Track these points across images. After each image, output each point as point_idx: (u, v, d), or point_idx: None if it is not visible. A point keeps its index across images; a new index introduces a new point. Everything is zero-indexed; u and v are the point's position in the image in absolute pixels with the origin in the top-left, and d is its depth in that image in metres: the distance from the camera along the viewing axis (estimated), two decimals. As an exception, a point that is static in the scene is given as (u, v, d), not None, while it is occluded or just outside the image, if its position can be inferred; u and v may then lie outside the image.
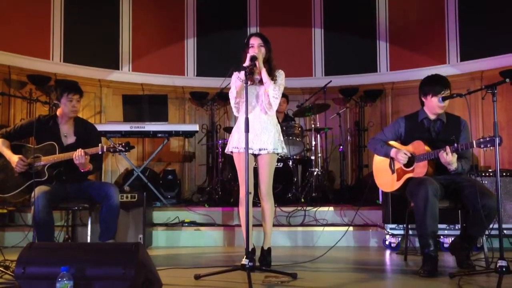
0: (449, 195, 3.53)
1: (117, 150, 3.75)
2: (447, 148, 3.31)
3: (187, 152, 7.20)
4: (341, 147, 6.48)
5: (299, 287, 3.04)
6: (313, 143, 6.16)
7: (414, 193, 3.39)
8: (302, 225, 5.00)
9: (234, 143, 3.69)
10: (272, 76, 3.60)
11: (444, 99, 3.51)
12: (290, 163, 5.67)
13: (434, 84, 3.58)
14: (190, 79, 7.35)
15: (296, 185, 5.70)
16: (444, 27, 6.71)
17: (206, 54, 7.38)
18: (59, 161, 3.73)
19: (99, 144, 3.75)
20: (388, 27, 7.15)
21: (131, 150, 3.90)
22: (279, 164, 5.47)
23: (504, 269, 2.85)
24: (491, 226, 3.44)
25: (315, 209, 5.11)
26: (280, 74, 3.68)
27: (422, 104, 3.70)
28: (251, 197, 3.61)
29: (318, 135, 6.24)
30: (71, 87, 3.94)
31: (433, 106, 3.57)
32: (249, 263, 3.04)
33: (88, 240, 3.89)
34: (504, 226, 4.20)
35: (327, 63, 7.37)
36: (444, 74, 6.05)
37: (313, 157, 6.09)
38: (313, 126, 6.18)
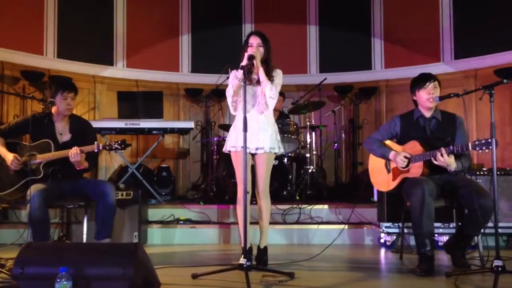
0: (445, 194, 3.55)
1: (113, 148, 3.72)
2: (442, 150, 3.32)
3: (181, 148, 7.18)
4: (336, 144, 6.50)
5: (296, 286, 3.05)
6: (308, 140, 6.16)
7: (410, 193, 3.41)
8: (297, 223, 5.01)
9: (232, 142, 3.69)
10: (269, 76, 3.59)
11: (441, 98, 3.53)
12: (285, 160, 5.67)
13: (419, 80, 3.67)
14: (185, 76, 7.32)
15: (291, 182, 5.70)
16: (439, 25, 6.74)
17: (201, 50, 7.35)
18: (54, 159, 3.71)
19: (95, 142, 3.73)
20: (383, 24, 7.16)
21: (127, 148, 3.89)
22: (274, 161, 5.45)
23: (500, 269, 2.88)
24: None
25: (310, 207, 5.12)
26: (278, 74, 3.67)
27: (416, 104, 3.74)
28: (248, 196, 3.64)
29: (313, 133, 6.24)
30: (66, 85, 3.91)
31: (423, 100, 3.63)
32: (247, 263, 3.05)
33: (84, 239, 3.87)
34: (499, 224, 4.24)
35: (322, 60, 7.37)
36: (438, 72, 6.16)
37: (308, 155, 6.09)
38: (308, 123, 6.18)
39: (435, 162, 3.36)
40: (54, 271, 2.31)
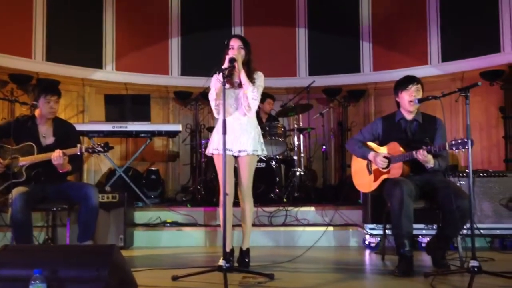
0: (425, 195, 3.58)
1: (96, 150, 3.73)
2: (423, 148, 3.36)
3: (171, 151, 7.19)
4: (324, 147, 6.53)
5: (276, 287, 3.06)
6: (296, 143, 6.18)
7: (389, 194, 3.44)
8: (283, 225, 5.02)
9: (214, 145, 3.72)
10: (251, 78, 3.61)
11: (420, 101, 3.58)
12: (273, 163, 5.69)
13: (402, 82, 3.72)
14: (174, 79, 7.34)
15: (278, 185, 5.72)
16: (426, 28, 6.80)
17: (190, 53, 7.37)
18: (37, 161, 3.72)
19: (78, 145, 3.74)
20: (371, 28, 7.21)
21: (110, 150, 3.89)
22: (261, 164, 5.49)
23: (476, 269, 2.90)
24: (466, 226, 3.50)
25: (296, 209, 5.13)
26: (259, 76, 3.69)
27: (398, 106, 3.77)
28: (230, 198, 3.66)
29: (301, 135, 6.27)
30: (49, 88, 3.93)
31: (405, 101, 3.67)
32: (226, 264, 3.06)
33: (67, 241, 3.88)
34: (481, 226, 4.29)
35: (311, 63, 7.41)
36: (426, 75, 6.28)
37: (296, 157, 6.12)
38: (296, 126, 6.21)
39: (416, 155, 3.38)
40: (28, 273, 2.32)
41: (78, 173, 4.93)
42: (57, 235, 4.59)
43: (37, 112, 3.89)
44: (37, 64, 6.42)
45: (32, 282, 2.31)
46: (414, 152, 3.41)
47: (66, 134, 3.96)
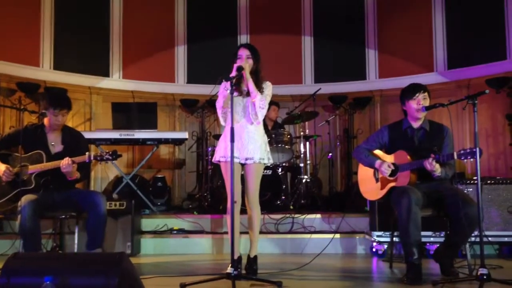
0: (432, 203, 3.58)
1: (104, 158, 3.76)
2: (432, 156, 3.36)
3: (177, 159, 7.22)
4: (330, 154, 6.53)
5: (283, 295, 3.07)
6: (302, 150, 6.19)
7: (397, 202, 3.44)
8: (290, 232, 5.02)
9: (221, 152, 3.74)
10: (259, 87, 3.63)
11: (427, 108, 3.58)
12: (279, 170, 5.70)
13: (408, 91, 3.71)
14: (181, 86, 7.37)
15: (285, 192, 5.72)
16: (432, 35, 6.80)
17: (196, 61, 7.41)
18: (46, 169, 3.74)
19: (86, 153, 3.77)
20: (376, 35, 7.23)
21: (118, 158, 3.91)
22: (268, 171, 5.50)
23: (484, 277, 2.90)
24: (474, 233, 3.50)
25: (303, 216, 5.13)
26: (267, 86, 3.71)
27: (405, 113, 3.77)
28: (237, 205, 3.67)
29: (307, 143, 6.28)
30: (58, 101, 3.87)
31: (412, 110, 3.66)
32: (234, 272, 3.07)
33: (75, 249, 3.90)
34: (489, 233, 4.27)
35: (317, 70, 7.43)
36: (432, 82, 6.29)
37: (302, 165, 6.12)
38: (302, 133, 6.22)
39: (424, 164, 3.38)
40: (39, 281, 2.32)
41: (86, 180, 4.94)
42: (65, 243, 4.61)
43: (45, 121, 3.92)
44: (44, 72, 6.48)
45: (43, 289, 2.32)
46: (421, 160, 3.41)
47: (74, 142, 3.98)
